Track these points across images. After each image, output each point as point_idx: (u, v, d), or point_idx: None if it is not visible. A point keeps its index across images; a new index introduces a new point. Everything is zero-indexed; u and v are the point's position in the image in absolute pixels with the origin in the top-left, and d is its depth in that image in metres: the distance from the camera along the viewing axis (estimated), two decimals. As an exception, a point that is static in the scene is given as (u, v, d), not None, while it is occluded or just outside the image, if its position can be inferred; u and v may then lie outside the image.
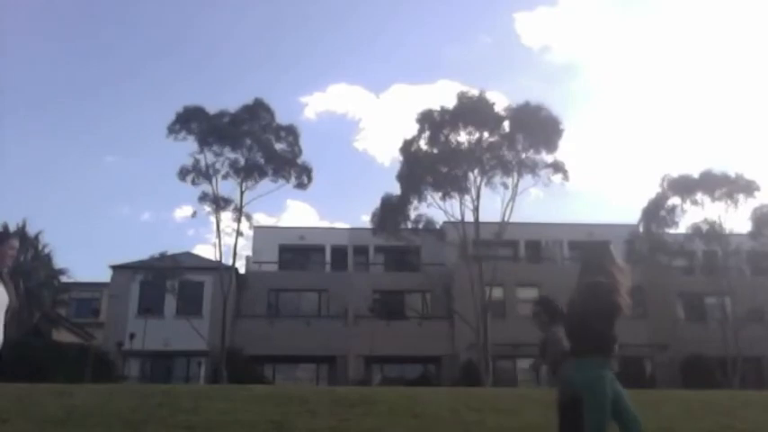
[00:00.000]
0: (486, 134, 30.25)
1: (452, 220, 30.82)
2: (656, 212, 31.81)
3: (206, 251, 67.69)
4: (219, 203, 29.96)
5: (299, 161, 30.82)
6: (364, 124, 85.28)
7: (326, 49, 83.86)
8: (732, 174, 31.45)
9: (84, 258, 73.68)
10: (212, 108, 30.78)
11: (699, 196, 31.43)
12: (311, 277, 36.62)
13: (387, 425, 8.90)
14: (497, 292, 31.41)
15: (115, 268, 33.90)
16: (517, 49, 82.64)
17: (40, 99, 74.66)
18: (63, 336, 32.19)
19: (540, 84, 79.17)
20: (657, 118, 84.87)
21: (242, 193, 30.28)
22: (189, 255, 35.08)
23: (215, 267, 30.69)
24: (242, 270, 35.66)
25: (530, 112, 29.73)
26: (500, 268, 29.81)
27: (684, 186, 31.66)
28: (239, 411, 9.74)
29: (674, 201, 31.94)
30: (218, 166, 30.24)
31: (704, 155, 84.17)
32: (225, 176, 30.20)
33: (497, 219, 30.24)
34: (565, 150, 31.57)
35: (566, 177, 30.10)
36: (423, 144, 30.79)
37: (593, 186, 75.32)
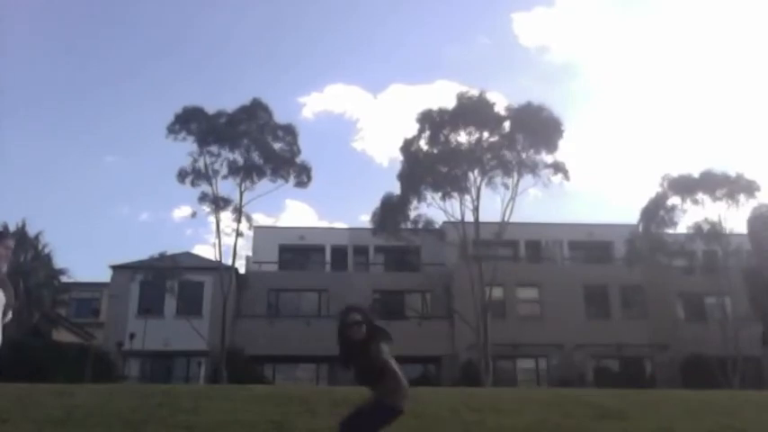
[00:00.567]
0: (486, 134, 30.24)
1: (452, 220, 30.82)
2: (655, 212, 31.78)
3: (204, 251, 67.71)
4: (219, 204, 29.94)
5: (298, 160, 30.80)
6: (362, 124, 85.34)
7: (324, 49, 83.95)
8: (732, 173, 31.44)
9: (84, 258, 73.72)
10: (211, 108, 30.80)
11: (699, 196, 31.40)
12: (311, 277, 36.63)
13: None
14: (497, 292, 31.42)
15: (115, 268, 33.91)
16: (515, 50, 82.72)
17: (40, 99, 74.70)
18: (63, 336, 32.19)
19: (539, 84, 79.23)
20: (657, 117, 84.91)
21: (241, 193, 30.29)
22: (189, 255, 35.08)
23: (215, 267, 30.69)
24: (242, 270, 35.68)
25: (531, 113, 29.72)
26: (500, 268, 29.80)
27: (684, 186, 31.63)
28: (239, 411, 9.73)
29: (674, 200, 31.92)
30: (216, 166, 30.25)
31: (704, 155, 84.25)
32: (224, 177, 30.20)
33: (497, 219, 30.24)
34: (565, 150, 31.58)
35: (566, 177, 30.10)
36: (423, 144, 30.80)
37: (593, 186, 75.36)
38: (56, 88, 75.85)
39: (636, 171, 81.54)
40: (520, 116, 29.81)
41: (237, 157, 30.28)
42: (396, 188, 31.04)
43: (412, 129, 31.94)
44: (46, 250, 32.76)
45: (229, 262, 30.78)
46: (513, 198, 30.02)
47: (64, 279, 33.46)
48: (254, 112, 30.48)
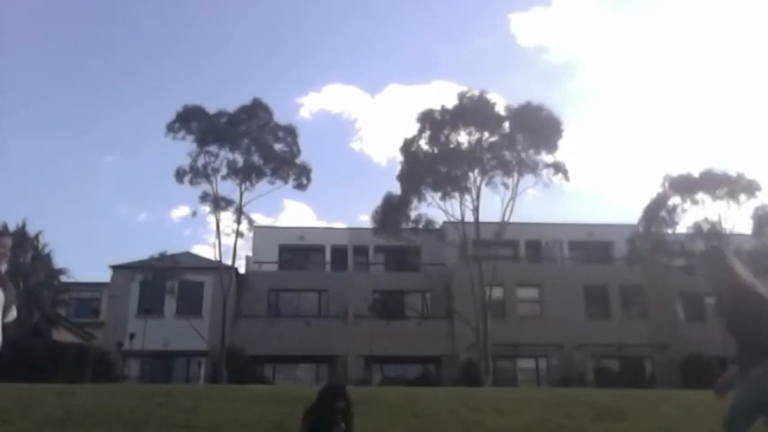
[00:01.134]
0: (486, 134, 30.24)
1: (452, 220, 30.82)
2: (656, 212, 31.77)
3: (203, 251, 67.71)
4: (219, 204, 29.93)
5: (298, 161, 30.80)
6: (360, 124, 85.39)
7: (322, 49, 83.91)
8: (733, 173, 31.43)
9: (84, 258, 73.71)
10: (209, 108, 30.79)
11: (699, 196, 31.39)
12: (311, 277, 36.64)
13: (387, 425, 8.89)
14: (497, 292, 31.42)
15: (115, 268, 33.92)
16: (513, 50, 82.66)
17: (39, 99, 74.70)
18: (63, 336, 32.17)
19: (538, 84, 79.17)
20: (657, 117, 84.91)
21: (241, 193, 30.27)
22: (189, 255, 35.08)
23: (215, 267, 30.68)
24: (242, 270, 35.68)
25: (530, 113, 29.72)
26: (500, 268, 29.81)
27: (685, 186, 31.62)
28: (239, 411, 9.73)
29: (675, 200, 31.91)
30: (216, 166, 30.22)
31: (705, 154, 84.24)
32: (224, 177, 30.18)
33: (497, 219, 30.24)
34: (564, 150, 31.60)
35: (566, 178, 30.11)
36: (423, 144, 30.81)
37: (593, 186, 75.32)
38: (56, 88, 75.86)
39: (636, 171, 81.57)
40: (520, 116, 29.81)
41: (237, 157, 30.28)
42: (395, 188, 31.08)
43: (411, 129, 31.99)
44: (46, 250, 32.76)
45: (229, 262, 30.80)
46: (513, 198, 30.06)
47: (64, 279, 33.47)
48: (255, 112, 30.47)
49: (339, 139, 77.69)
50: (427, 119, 30.56)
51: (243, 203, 30.35)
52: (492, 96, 31.11)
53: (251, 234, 34.07)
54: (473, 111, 29.96)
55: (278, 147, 30.66)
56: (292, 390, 14.25)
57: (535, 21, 76.37)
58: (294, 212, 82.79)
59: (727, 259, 4.63)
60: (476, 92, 30.64)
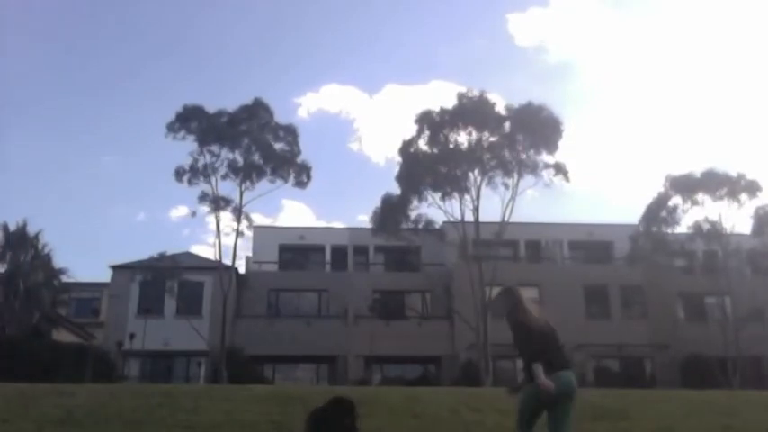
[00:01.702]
0: (486, 134, 30.20)
1: (452, 220, 30.79)
2: (657, 212, 31.77)
3: (202, 251, 67.71)
4: (219, 203, 29.90)
5: (298, 160, 30.76)
6: (358, 124, 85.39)
7: (319, 50, 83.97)
8: (734, 173, 31.43)
9: (84, 258, 73.72)
10: (209, 108, 30.73)
11: (700, 196, 31.38)
12: (311, 277, 36.63)
13: (387, 425, 8.89)
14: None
15: (115, 268, 33.90)
16: (511, 50, 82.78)
17: (39, 99, 74.70)
18: (63, 336, 32.15)
19: (536, 84, 79.30)
20: (657, 117, 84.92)
21: (241, 193, 30.23)
22: (188, 255, 35.08)
23: (215, 267, 30.65)
24: (242, 270, 35.66)
25: (531, 113, 29.67)
26: (500, 268, 29.74)
27: (686, 185, 31.61)
28: (239, 411, 9.74)
29: (676, 200, 31.90)
30: (216, 165, 30.19)
31: (705, 154, 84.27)
32: (224, 177, 30.15)
33: (497, 219, 30.21)
34: (565, 150, 31.58)
35: (566, 178, 30.06)
36: (422, 144, 30.76)
37: (593, 186, 75.33)
38: (56, 88, 75.86)
39: (636, 171, 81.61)
40: (520, 116, 29.76)
41: (237, 156, 30.24)
42: (393, 188, 31.04)
43: (409, 129, 31.95)
44: (46, 250, 32.73)
45: (229, 262, 30.77)
46: (513, 198, 30.01)
47: (64, 279, 33.42)
48: (256, 111, 30.43)
49: (337, 140, 77.79)
50: (426, 119, 30.52)
51: (243, 203, 30.33)
52: (491, 96, 31.09)
53: (251, 234, 34.09)
54: (473, 111, 29.92)
55: (278, 146, 30.63)
56: (292, 390, 14.26)
57: (533, 21, 76.47)
58: (293, 212, 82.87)
59: (518, 297, 5.95)
60: (475, 92, 30.58)
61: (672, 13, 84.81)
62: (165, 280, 30.47)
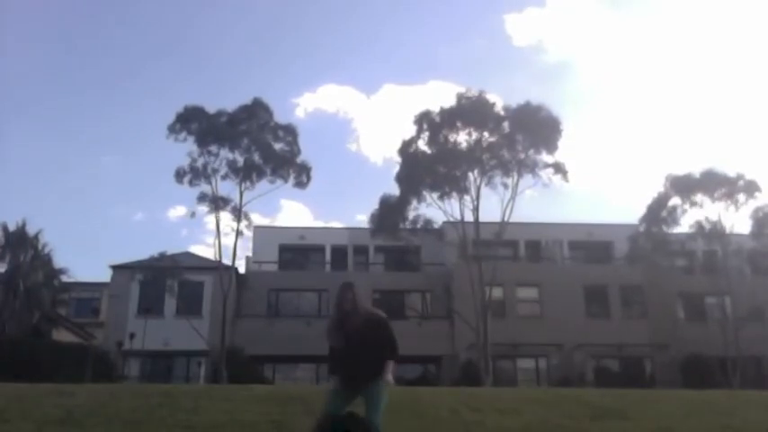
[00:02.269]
0: (485, 134, 30.21)
1: (452, 220, 30.79)
2: (657, 212, 31.78)
3: (200, 251, 67.78)
4: (219, 203, 29.89)
5: (298, 160, 30.75)
6: (356, 124, 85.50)
7: (317, 50, 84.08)
8: (733, 174, 31.45)
9: (84, 258, 73.78)
10: (208, 108, 30.72)
11: (699, 196, 31.39)
12: (311, 277, 36.60)
13: (387, 425, 8.87)
14: (497, 292, 31.40)
15: (115, 268, 33.90)
16: (509, 50, 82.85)
17: (39, 99, 74.70)
18: (63, 336, 32.16)
19: (535, 84, 79.38)
20: (657, 117, 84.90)
21: (241, 193, 30.23)
22: (188, 255, 35.08)
23: (215, 267, 30.65)
24: (242, 270, 35.66)
25: (530, 113, 29.66)
26: (500, 268, 29.79)
27: (686, 186, 31.63)
28: (239, 411, 9.73)
29: (675, 200, 31.91)
30: (215, 165, 30.18)
31: (705, 154, 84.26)
32: (224, 177, 30.13)
33: (497, 219, 30.21)
34: (564, 150, 31.54)
35: (565, 178, 30.07)
36: (422, 144, 30.77)
37: (593, 186, 75.37)
38: (56, 88, 75.87)
39: (636, 171, 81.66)
40: (519, 116, 29.76)
41: (237, 156, 30.24)
42: (391, 188, 31.06)
43: (407, 129, 31.95)
44: (46, 250, 32.74)
45: (229, 262, 30.77)
46: (512, 198, 30.01)
47: (64, 279, 33.43)
48: (255, 111, 30.42)
49: (335, 140, 77.92)
50: (425, 119, 30.52)
51: (242, 203, 30.32)
52: (490, 97, 31.08)
53: (250, 234, 34.07)
54: (472, 111, 29.92)
55: (278, 146, 30.62)
56: (292, 390, 14.26)
57: (530, 21, 76.52)
58: (292, 212, 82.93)
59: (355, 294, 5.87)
60: (474, 92, 30.61)
61: (670, 13, 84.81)
62: (165, 280, 30.46)
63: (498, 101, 31.12)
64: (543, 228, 37.86)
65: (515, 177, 29.97)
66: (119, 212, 75.71)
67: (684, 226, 31.99)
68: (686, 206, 31.57)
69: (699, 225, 31.34)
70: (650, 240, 31.77)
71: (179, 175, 29.78)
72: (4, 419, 8.65)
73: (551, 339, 31.98)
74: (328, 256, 38.69)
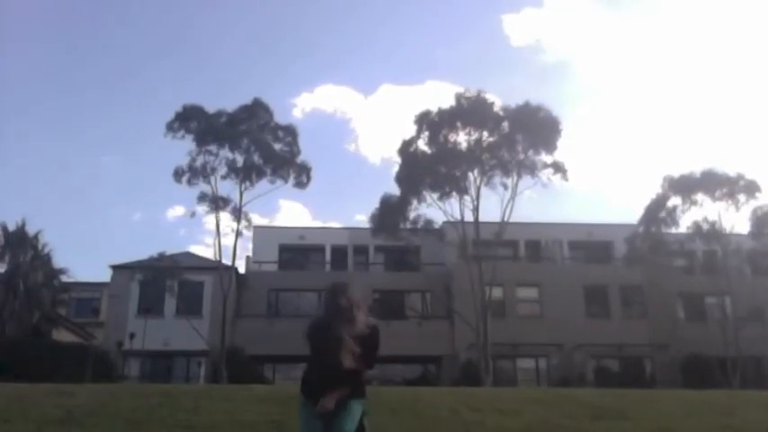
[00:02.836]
0: (485, 134, 30.21)
1: (452, 220, 30.79)
2: (656, 212, 31.77)
3: (199, 251, 67.81)
4: (219, 203, 29.88)
5: (298, 160, 30.74)
6: (354, 124, 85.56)
7: (314, 50, 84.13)
8: (733, 174, 31.43)
9: (84, 258, 73.79)
10: (207, 108, 30.71)
11: (699, 196, 31.38)
12: (311, 277, 36.55)
13: (387, 425, 8.89)
14: (497, 292, 31.40)
15: (115, 268, 33.88)
16: (507, 51, 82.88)
17: (39, 99, 74.70)
18: (63, 336, 32.17)
19: (533, 84, 79.41)
20: (657, 117, 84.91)
21: (241, 192, 30.22)
22: (188, 255, 35.07)
23: (215, 267, 30.64)
24: (242, 270, 35.64)
25: (529, 113, 29.66)
26: (500, 268, 29.78)
27: (685, 186, 31.61)
28: (239, 411, 9.74)
29: (675, 201, 31.90)
30: (215, 165, 30.16)
31: (704, 154, 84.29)
32: (223, 177, 30.12)
33: (497, 219, 30.21)
34: (563, 150, 31.51)
35: (565, 178, 30.08)
36: (421, 144, 30.77)
37: (593, 186, 75.38)
38: (56, 88, 75.89)
39: (635, 171, 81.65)
40: (518, 116, 29.76)
41: (237, 156, 30.23)
42: (390, 188, 31.06)
43: (406, 129, 31.99)
44: (45, 250, 32.74)
45: (229, 262, 30.76)
46: (512, 198, 30.01)
47: (64, 279, 33.46)
48: (255, 111, 30.41)
49: (334, 139, 77.94)
50: (425, 119, 30.52)
51: (243, 203, 30.30)
52: (488, 97, 31.06)
53: (250, 234, 34.06)
54: (471, 111, 29.92)
55: (278, 146, 30.60)
56: (292, 390, 14.24)
57: (528, 21, 76.54)
58: (290, 212, 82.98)
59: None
60: (473, 92, 30.60)
61: (669, 12, 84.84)
62: (164, 280, 30.45)
63: (497, 101, 31.10)
64: (543, 228, 37.85)
65: (515, 177, 29.98)
66: (118, 212, 75.80)
67: (684, 226, 32.00)
68: (686, 206, 31.55)
69: (697, 225, 31.31)
70: (649, 240, 31.76)
71: (177, 175, 29.75)
72: (4, 419, 8.65)
73: (551, 339, 31.98)
74: (328, 256, 38.69)
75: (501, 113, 30.41)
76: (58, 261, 33.29)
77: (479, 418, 9.63)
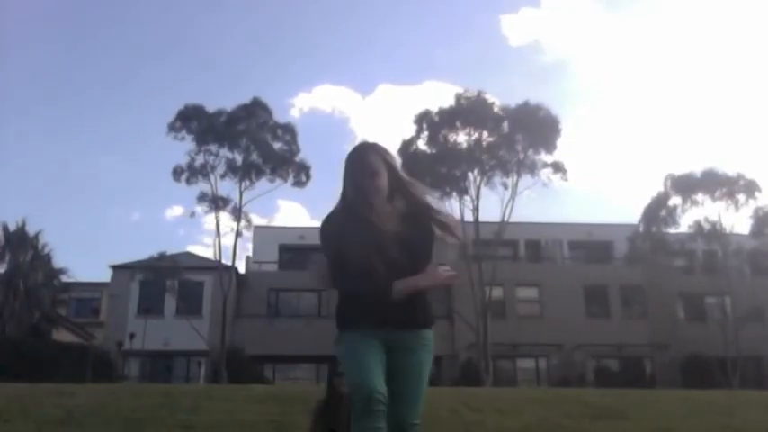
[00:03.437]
0: (485, 134, 30.23)
1: (452, 219, 30.75)
2: (657, 212, 31.78)
3: (198, 251, 67.79)
4: (218, 203, 29.89)
5: (297, 160, 30.76)
6: (352, 124, 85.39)
7: (311, 50, 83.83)
8: (733, 173, 31.44)
9: (84, 258, 73.69)
10: (207, 108, 30.69)
11: (699, 196, 31.40)
12: (311, 277, 36.59)
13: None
14: (497, 292, 31.40)
15: (115, 268, 33.88)
16: (505, 51, 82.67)
17: (39, 99, 74.67)
18: (63, 336, 32.15)
19: (533, 84, 79.12)
20: (656, 116, 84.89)
21: (241, 192, 30.23)
22: (188, 255, 35.06)
23: (215, 267, 30.66)
24: (242, 270, 35.64)
25: (529, 113, 29.69)
26: (500, 268, 29.79)
27: (686, 185, 31.63)
28: (239, 411, 9.74)
29: (675, 200, 31.91)
30: (214, 164, 30.17)
31: (704, 154, 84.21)
32: (223, 176, 30.14)
33: (497, 219, 30.22)
34: (563, 149, 31.49)
35: (565, 177, 30.11)
36: (421, 144, 30.79)
37: (593, 186, 75.32)
38: (56, 88, 75.85)
39: (636, 171, 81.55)
40: (518, 116, 29.78)
41: (236, 156, 30.24)
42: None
43: (404, 129, 31.93)
44: (46, 250, 32.73)
45: (228, 262, 30.77)
46: (512, 198, 30.04)
47: (64, 279, 33.42)
48: (254, 111, 30.43)
49: (331, 139, 77.75)
50: (425, 119, 30.54)
51: (242, 203, 30.31)
52: (488, 97, 31.08)
53: (250, 234, 34.05)
54: (470, 111, 29.94)
55: (277, 146, 30.63)
56: (292, 390, 14.26)
57: (526, 21, 76.45)
58: (289, 212, 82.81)
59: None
60: (473, 92, 30.62)
61: (668, 12, 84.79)
62: (164, 280, 30.47)
63: (497, 101, 31.12)
64: (543, 228, 37.84)
65: (515, 177, 30.01)
66: (117, 212, 75.69)
67: (684, 226, 32.00)
68: (687, 206, 31.56)
69: (698, 225, 31.31)
70: (649, 240, 31.76)
71: (176, 173, 29.78)
72: (4, 419, 8.65)
73: (551, 339, 31.98)
74: (328, 256, 38.63)
75: (501, 113, 30.43)
76: (58, 261, 33.27)
77: (479, 418, 9.63)
